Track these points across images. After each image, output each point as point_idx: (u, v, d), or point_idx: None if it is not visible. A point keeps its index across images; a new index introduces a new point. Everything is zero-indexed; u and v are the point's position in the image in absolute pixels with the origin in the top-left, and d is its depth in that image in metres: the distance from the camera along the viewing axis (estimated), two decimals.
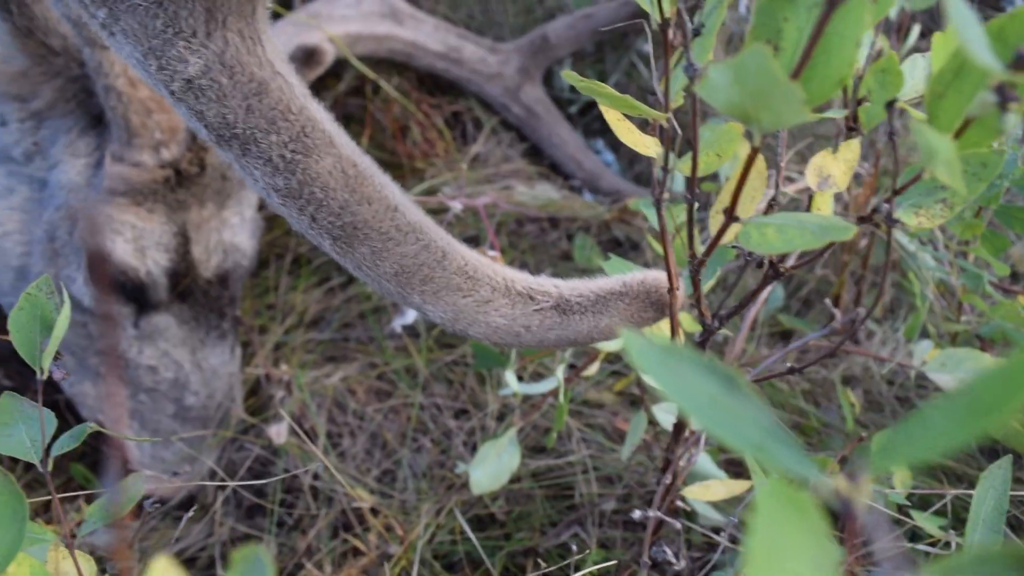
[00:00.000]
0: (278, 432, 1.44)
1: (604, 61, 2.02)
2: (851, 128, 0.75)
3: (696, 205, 1.04)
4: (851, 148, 0.73)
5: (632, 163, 1.99)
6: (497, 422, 1.50)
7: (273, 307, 1.74)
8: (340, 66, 1.88)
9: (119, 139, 1.38)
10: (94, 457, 1.64)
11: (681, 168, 0.76)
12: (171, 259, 1.46)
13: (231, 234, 1.57)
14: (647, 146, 0.78)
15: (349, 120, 1.91)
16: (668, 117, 0.72)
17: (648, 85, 1.89)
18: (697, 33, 0.71)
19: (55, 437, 0.77)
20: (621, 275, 0.90)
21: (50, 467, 0.75)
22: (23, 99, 1.39)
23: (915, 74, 0.72)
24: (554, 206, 1.80)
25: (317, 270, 1.78)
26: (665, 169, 0.78)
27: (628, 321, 0.88)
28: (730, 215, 0.69)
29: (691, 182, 0.74)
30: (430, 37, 1.92)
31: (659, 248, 1.14)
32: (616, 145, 2.00)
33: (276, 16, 2.10)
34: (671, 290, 0.88)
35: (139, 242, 1.43)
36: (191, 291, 1.52)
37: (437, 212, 1.62)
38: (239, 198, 1.58)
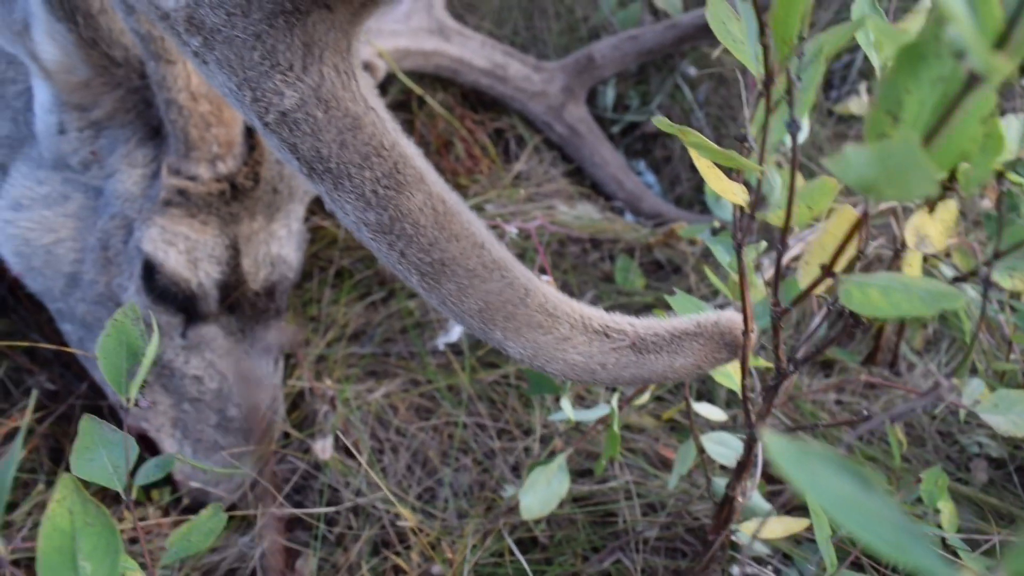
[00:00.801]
0: (323, 448, 1.44)
1: (648, 82, 2.02)
2: (947, 188, 0.75)
3: (763, 246, 1.04)
4: (948, 209, 0.73)
5: (673, 185, 1.99)
6: (540, 444, 1.50)
7: (315, 320, 1.74)
8: (386, 79, 1.88)
9: (177, 151, 1.39)
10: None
11: (771, 218, 0.76)
12: (222, 271, 1.47)
13: (279, 246, 1.58)
14: (735, 193, 0.78)
15: None
16: (763, 171, 0.72)
17: (691, 106, 1.90)
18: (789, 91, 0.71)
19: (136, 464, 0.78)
20: (695, 315, 0.90)
21: (134, 495, 0.75)
22: (83, 108, 1.39)
23: (1010, 135, 0.72)
24: (596, 227, 1.80)
25: (359, 283, 1.78)
26: (752, 218, 0.78)
27: (702, 362, 0.88)
28: (828, 271, 0.69)
29: (784, 234, 0.74)
30: (476, 54, 1.92)
31: (716, 280, 1.14)
32: (657, 166, 2.00)
33: None
34: (746, 333, 0.88)
35: (192, 253, 1.43)
36: (239, 303, 1.53)
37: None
38: (287, 211, 1.59)
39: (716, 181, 0.77)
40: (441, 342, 1.61)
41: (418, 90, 1.83)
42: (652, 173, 1.99)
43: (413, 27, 1.86)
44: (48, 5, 1.26)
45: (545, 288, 0.84)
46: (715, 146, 0.73)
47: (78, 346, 1.57)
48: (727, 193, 0.77)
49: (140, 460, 1.54)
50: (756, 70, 0.68)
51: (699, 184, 1.98)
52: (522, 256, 1.67)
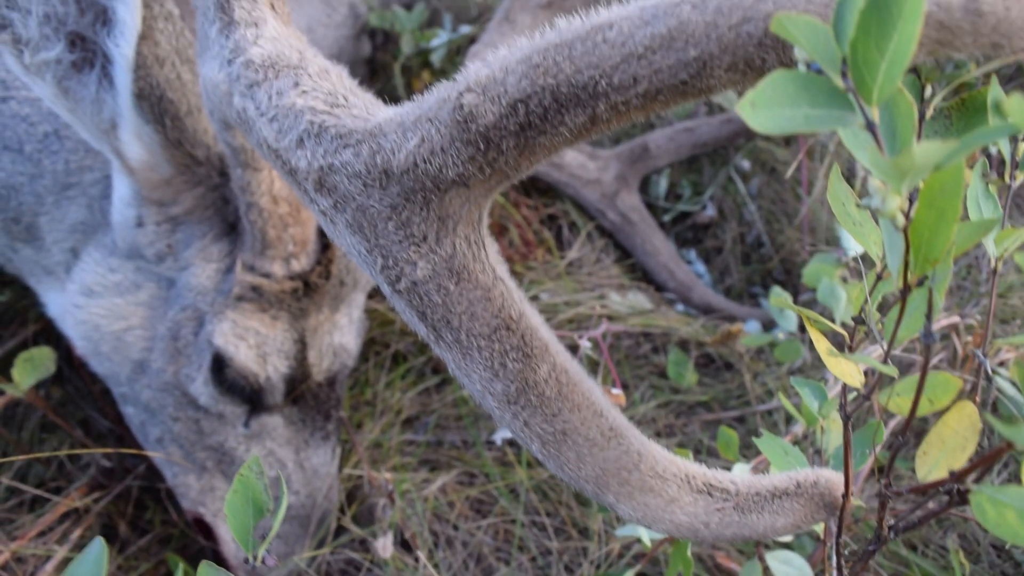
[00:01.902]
0: (384, 546, 1.44)
1: (701, 172, 2.04)
2: None
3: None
4: None
5: (723, 276, 2.00)
6: (597, 544, 1.50)
7: (370, 404, 1.75)
8: None
9: (253, 249, 1.40)
10: (187, 543, 1.65)
11: (892, 405, 0.77)
12: (290, 366, 1.48)
13: (340, 336, 1.59)
14: (852, 376, 0.79)
15: None
16: (895, 373, 0.73)
17: (743, 200, 1.92)
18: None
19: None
20: (794, 473, 0.90)
21: None
22: (163, 204, 1.41)
23: None
24: (649, 320, 1.81)
25: (413, 369, 1.79)
26: (867, 397, 0.79)
27: (801, 522, 0.89)
28: (958, 479, 0.70)
29: (907, 423, 0.75)
30: None
31: (789, 405, 1.15)
32: (708, 256, 2.02)
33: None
34: (846, 496, 0.89)
35: (261, 348, 1.45)
36: (302, 394, 1.54)
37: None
38: (350, 300, 1.61)
39: (835, 366, 0.77)
40: (499, 437, 1.62)
41: None
42: (703, 263, 2.01)
43: None
44: (138, 108, 1.28)
45: (654, 450, 0.85)
46: (832, 325, 0.74)
47: (139, 430, 1.58)
48: (845, 376, 0.78)
49: (200, 550, 1.54)
50: (895, 279, 0.69)
51: (749, 276, 1.99)
52: (575, 347, 1.68)
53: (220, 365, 1.44)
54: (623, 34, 0.67)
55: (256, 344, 1.44)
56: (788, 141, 2.00)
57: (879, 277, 0.81)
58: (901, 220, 0.62)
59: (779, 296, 1.51)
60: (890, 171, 0.56)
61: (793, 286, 1.94)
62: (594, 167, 1.98)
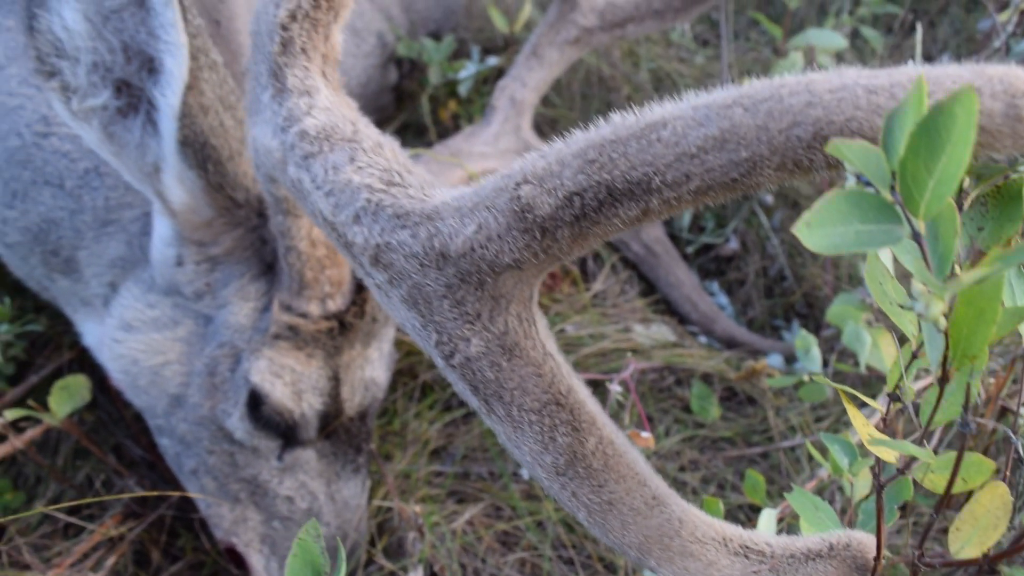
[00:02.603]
0: None
1: (725, 205, 2.07)
2: None
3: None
4: None
5: (745, 308, 2.03)
6: None
7: (398, 434, 1.79)
8: None
9: (290, 289, 1.44)
10: (218, 571, 1.69)
11: (927, 482, 0.80)
12: (324, 402, 1.52)
13: (371, 370, 1.63)
14: (888, 453, 0.82)
15: None
16: (932, 459, 0.76)
17: (767, 233, 1.95)
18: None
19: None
20: (827, 535, 0.94)
21: None
22: (203, 244, 1.45)
23: None
24: (674, 353, 1.85)
25: (440, 399, 1.83)
26: (902, 472, 0.82)
27: None
28: (993, 561, 0.73)
29: (941, 502, 0.78)
30: None
31: (816, 453, 1.18)
32: (731, 288, 2.05)
33: (398, 127, 2.17)
34: (877, 558, 0.92)
35: (297, 385, 1.48)
36: (334, 428, 1.57)
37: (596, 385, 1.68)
38: (381, 335, 1.64)
39: (878, 448, 0.80)
40: (526, 471, 1.65)
41: None
42: (725, 295, 2.04)
43: (501, 149, 1.92)
44: (182, 153, 1.32)
45: (693, 515, 0.89)
46: (873, 402, 0.77)
47: (174, 461, 1.62)
48: (880, 451, 0.81)
49: None
50: (934, 369, 0.73)
51: (772, 308, 2.02)
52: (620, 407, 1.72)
53: (256, 402, 1.47)
54: (677, 134, 0.71)
55: (292, 381, 1.48)
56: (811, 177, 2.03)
57: (915, 355, 0.84)
58: (943, 323, 0.65)
59: (804, 338, 1.54)
60: (935, 285, 0.59)
61: (815, 320, 1.97)
62: None
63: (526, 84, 1.94)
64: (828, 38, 1.92)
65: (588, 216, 0.74)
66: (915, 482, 0.87)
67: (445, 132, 2.18)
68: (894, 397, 0.83)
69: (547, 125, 2.18)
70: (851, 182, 0.71)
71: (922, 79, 0.61)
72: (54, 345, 1.94)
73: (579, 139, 0.75)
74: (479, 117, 2.20)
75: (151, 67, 1.30)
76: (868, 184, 0.63)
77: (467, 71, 2.08)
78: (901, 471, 0.84)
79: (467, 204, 0.78)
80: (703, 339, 1.97)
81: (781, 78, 0.71)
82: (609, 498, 0.82)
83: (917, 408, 0.89)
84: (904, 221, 0.62)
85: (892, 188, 0.62)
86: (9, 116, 1.65)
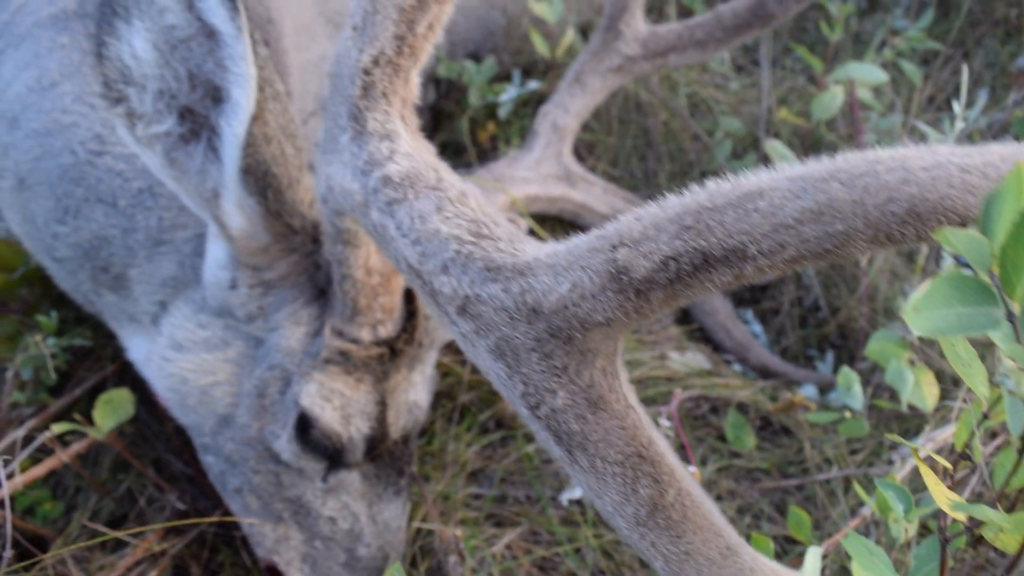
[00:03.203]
0: None
1: None
2: None
3: None
4: None
5: (779, 336, 2.06)
6: None
7: (436, 456, 1.81)
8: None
9: (342, 316, 1.46)
10: None
11: (997, 541, 0.83)
12: (371, 426, 1.54)
13: (415, 393, 1.65)
14: (946, 501, 0.84)
15: None
16: (1005, 523, 0.79)
17: (809, 282, 1.97)
18: None
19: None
20: None
21: None
22: (258, 269, 1.48)
23: None
24: (710, 382, 1.87)
25: (478, 422, 1.85)
26: (971, 531, 0.85)
27: None
28: None
29: (1012, 565, 0.81)
30: (599, 200, 2.01)
31: (866, 496, 1.20)
32: (765, 317, 2.07)
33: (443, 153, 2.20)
34: None
35: (345, 410, 1.51)
36: (379, 451, 1.60)
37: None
38: (425, 359, 1.67)
39: (956, 512, 0.82)
40: (565, 497, 1.68)
41: (543, 234, 1.91)
42: (759, 323, 2.06)
43: (543, 174, 1.95)
44: (243, 181, 1.34)
45: (763, 563, 0.91)
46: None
47: (218, 478, 1.64)
48: (956, 513, 0.84)
49: None
50: (1014, 440, 0.75)
51: (805, 338, 2.05)
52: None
53: (305, 425, 1.50)
54: (774, 205, 0.73)
55: (341, 406, 1.51)
56: None
57: (985, 416, 0.87)
58: None
59: (847, 375, 1.56)
60: None
61: (849, 352, 2.00)
62: None
63: (568, 111, 1.97)
64: (868, 72, 1.95)
65: (682, 280, 0.76)
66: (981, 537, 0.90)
67: (483, 153, 2.21)
68: (964, 456, 0.86)
69: (584, 149, 2.21)
70: (948, 262, 0.73)
71: (1021, 167, 0.63)
72: (95, 356, 1.97)
73: (674, 204, 0.78)
74: (517, 139, 2.22)
75: (216, 95, 1.32)
76: (966, 266, 0.66)
77: (508, 94, 2.10)
78: (969, 528, 0.86)
79: (561, 262, 0.80)
80: (737, 367, 1.99)
81: (875, 153, 0.74)
82: (687, 548, 0.85)
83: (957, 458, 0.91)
84: (1000, 303, 0.64)
85: (990, 271, 0.64)
86: (63, 133, 1.67)
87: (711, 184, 0.77)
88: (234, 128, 1.29)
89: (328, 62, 1.08)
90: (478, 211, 0.91)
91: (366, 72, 1.00)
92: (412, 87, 1.04)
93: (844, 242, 0.73)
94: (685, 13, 2.52)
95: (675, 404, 1.49)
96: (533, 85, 2.13)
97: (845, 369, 1.56)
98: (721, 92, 2.29)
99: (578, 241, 0.81)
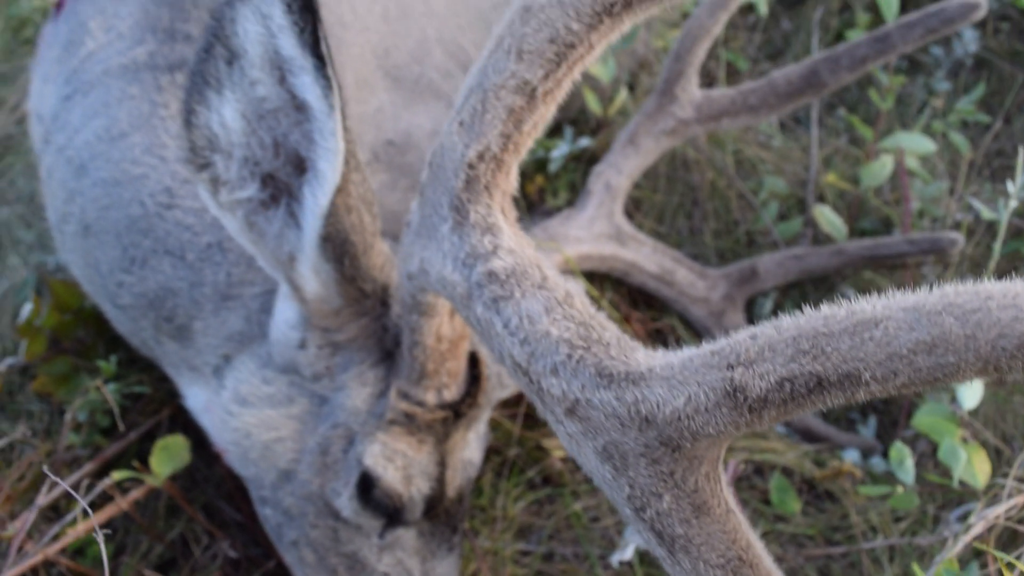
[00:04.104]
0: None
1: (806, 296, 2.14)
2: None
3: None
4: None
5: None
6: None
7: (484, 510, 1.85)
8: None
9: (409, 378, 1.51)
10: None
11: None
12: (431, 487, 1.58)
13: (470, 451, 1.69)
14: None
15: None
16: None
17: None
18: None
19: None
20: None
21: None
22: (328, 330, 1.52)
23: None
24: (754, 444, 1.91)
25: (525, 478, 1.89)
26: None
27: None
28: None
29: None
30: (648, 259, 2.05)
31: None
32: None
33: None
34: None
35: (407, 470, 1.55)
36: (436, 510, 1.64)
37: None
38: (481, 418, 1.71)
39: None
40: (615, 559, 1.71)
41: (594, 292, 1.95)
42: None
43: (595, 233, 2.00)
44: (322, 248, 1.39)
45: None
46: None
47: (275, 530, 1.68)
48: None
49: None
50: None
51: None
52: None
53: (367, 484, 1.54)
54: (888, 335, 0.78)
55: (403, 466, 1.54)
56: (893, 272, 2.10)
57: None
58: None
59: (899, 450, 1.60)
60: None
61: (891, 416, 2.03)
62: (703, 286, 2.08)
63: (621, 171, 2.02)
64: (918, 142, 2.00)
65: (796, 400, 0.80)
66: None
67: (532, 205, 2.26)
68: None
69: (632, 205, 2.26)
70: None
71: None
72: (148, 399, 2.00)
73: (790, 326, 0.82)
74: (565, 191, 2.27)
75: (299, 164, 1.37)
76: None
77: (559, 150, 2.15)
78: None
79: (677, 376, 0.84)
80: (781, 428, 2.03)
81: (987, 288, 0.78)
82: None
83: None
84: None
85: None
86: (132, 184, 1.72)
87: (826, 309, 0.81)
88: (318, 199, 1.33)
89: (431, 153, 1.13)
90: (585, 313, 0.95)
91: (471, 166, 1.05)
92: (512, 179, 1.08)
93: (954, 372, 0.77)
94: (731, 69, 2.58)
95: (730, 472, 1.53)
96: (584, 142, 2.18)
97: (898, 444, 1.60)
98: (765, 151, 2.34)
99: (692, 355, 0.86)
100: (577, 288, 0.99)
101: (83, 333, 2.05)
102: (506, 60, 0.98)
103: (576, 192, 2.28)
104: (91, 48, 1.92)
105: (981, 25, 2.66)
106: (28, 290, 2.34)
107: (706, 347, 0.85)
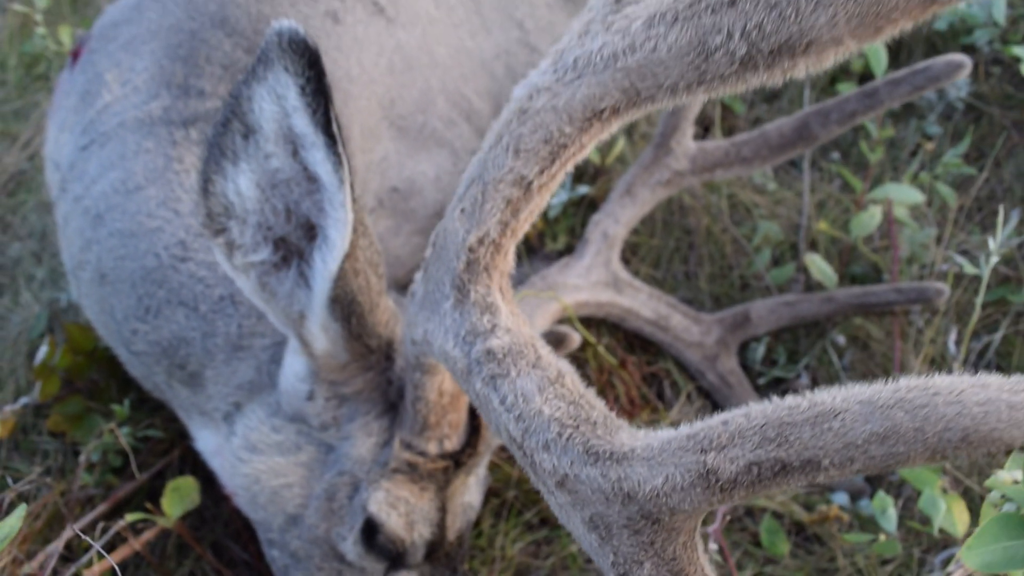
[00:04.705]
0: None
1: (797, 341, 2.24)
2: None
3: None
4: None
5: None
6: None
7: (483, 550, 1.95)
8: (563, 319, 2.12)
9: (412, 430, 1.61)
10: None
11: None
12: (432, 532, 1.68)
13: (470, 495, 1.80)
14: None
15: None
16: None
17: (837, 372, 2.11)
18: None
19: None
20: None
21: None
22: (335, 383, 1.62)
23: None
24: None
25: (524, 519, 1.99)
26: None
27: None
28: None
29: None
30: (644, 305, 2.16)
31: None
32: None
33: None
34: None
35: (410, 517, 1.65)
36: (437, 553, 1.74)
37: None
38: (480, 463, 1.81)
39: None
40: None
41: (591, 340, 2.06)
42: None
43: (592, 281, 2.10)
44: (330, 308, 1.49)
45: None
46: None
47: (281, 572, 1.78)
48: None
49: None
50: None
51: None
52: None
53: (371, 529, 1.64)
54: (846, 426, 0.88)
55: (405, 513, 1.65)
56: (882, 319, 2.20)
57: None
58: None
59: (882, 499, 1.70)
60: None
61: None
62: (697, 331, 2.19)
63: (618, 221, 2.13)
64: (906, 193, 2.10)
65: (763, 482, 0.91)
66: None
67: (532, 249, 2.36)
68: None
69: (629, 250, 2.36)
70: (994, 496, 0.88)
71: None
72: (158, 439, 2.11)
73: (758, 415, 0.92)
74: (563, 236, 2.38)
75: (310, 229, 1.47)
76: (1010, 501, 0.80)
77: (559, 197, 2.26)
78: None
79: (656, 457, 0.95)
80: None
81: (935, 384, 0.88)
82: None
83: None
84: None
85: None
86: (148, 236, 1.82)
87: (790, 400, 0.92)
88: (328, 264, 1.44)
89: (434, 234, 1.23)
90: (575, 392, 1.05)
91: (471, 250, 1.15)
92: (510, 260, 1.18)
93: (905, 460, 0.87)
94: (726, 111, 2.68)
95: (718, 522, 1.63)
96: (583, 190, 2.28)
97: (881, 493, 1.70)
98: (760, 195, 2.45)
99: (670, 437, 0.96)
100: (568, 367, 1.09)
101: (96, 374, 2.15)
102: (504, 156, 1.09)
103: (575, 236, 2.38)
104: (107, 100, 2.02)
105: (974, 69, 2.77)
106: (40, 326, 2.45)
107: (683, 430, 0.96)
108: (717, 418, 0.94)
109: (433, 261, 1.23)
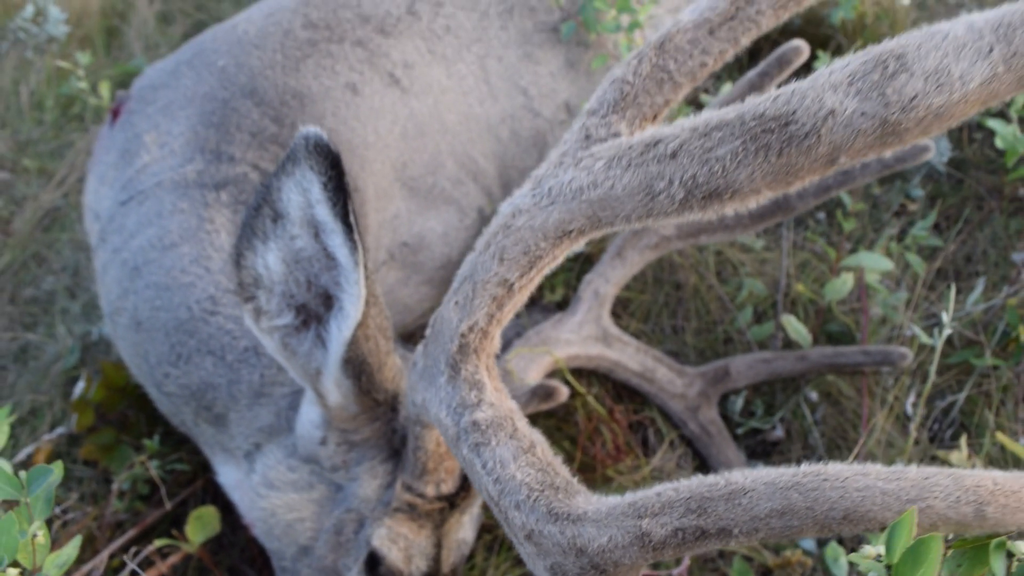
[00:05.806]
0: None
1: (774, 395, 2.49)
2: None
3: None
4: None
5: None
6: None
7: None
8: (554, 372, 2.38)
9: (412, 474, 1.87)
10: None
11: None
12: (428, 565, 1.94)
13: (464, 532, 2.06)
14: None
15: (550, 415, 2.41)
16: None
17: (809, 426, 2.36)
18: None
19: None
20: None
21: None
22: (345, 431, 1.89)
23: None
24: None
25: (515, 555, 2.24)
26: None
27: None
28: None
29: None
30: (631, 358, 2.41)
31: None
32: None
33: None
34: None
35: (409, 551, 1.91)
36: None
37: None
38: (475, 500, 2.07)
39: None
40: None
41: (581, 390, 2.31)
42: None
43: (583, 335, 2.36)
44: (343, 367, 1.75)
45: None
46: None
47: None
48: None
49: None
50: None
51: None
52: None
53: (374, 562, 1.90)
54: (752, 502, 1.14)
55: (405, 547, 1.91)
56: (853, 376, 2.45)
57: None
58: None
59: (834, 549, 1.95)
60: None
61: None
62: (681, 383, 2.44)
63: (609, 280, 2.39)
64: (876, 261, 2.35)
65: (686, 544, 1.16)
66: None
67: (531, 299, 2.62)
68: None
69: (620, 306, 2.62)
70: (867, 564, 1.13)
71: (912, 512, 1.03)
72: (181, 471, 2.38)
73: (685, 489, 1.18)
74: (560, 287, 2.64)
75: (327, 298, 1.74)
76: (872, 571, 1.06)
77: None
78: None
79: (603, 520, 1.21)
80: None
81: (825, 471, 1.13)
82: None
83: None
84: None
85: None
86: (181, 290, 2.10)
87: (711, 478, 1.17)
88: (343, 331, 1.70)
89: (433, 318, 1.49)
90: (544, 460, 1.31)
91: (463, 335, 1.41)
92: (496, 344, 1.45)
93: (799, 532, 1.13)
94: None
95: (683, 566, 1.88)
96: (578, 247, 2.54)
97: (833, 544, 1.95)
98: (745, 253, 2.70)
99: (616, 504, 1.22)
100: (540, 437, 1.35)
101: (127, 408, 2.43)
102: (491, 262, 1.35)
103: (571, 288, 2.64)
104: (146, 160, 2.30)
105: (957, 134, 3.02)
106: (73, 359, 2.73)
107: (627, 498, 1.22)
108: (654, 489, 1.20)
109: (431, 341, 1.49)
